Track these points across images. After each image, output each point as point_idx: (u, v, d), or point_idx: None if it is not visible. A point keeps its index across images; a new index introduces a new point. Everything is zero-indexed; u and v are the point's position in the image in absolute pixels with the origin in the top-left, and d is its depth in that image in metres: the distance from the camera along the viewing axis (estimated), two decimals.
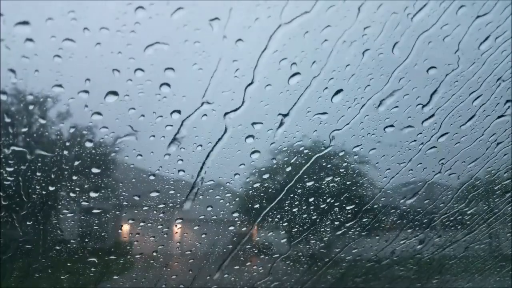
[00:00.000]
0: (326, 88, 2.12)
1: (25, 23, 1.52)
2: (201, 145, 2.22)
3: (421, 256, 3.59)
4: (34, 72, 1.67)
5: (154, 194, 2.41)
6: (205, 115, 2.05)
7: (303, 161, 2.57)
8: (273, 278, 3.05)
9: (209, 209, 2.61)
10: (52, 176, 2.15)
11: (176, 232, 2.68)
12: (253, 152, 2.34)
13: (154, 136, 2.10)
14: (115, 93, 1.85)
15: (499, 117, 2.49)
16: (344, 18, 1.84)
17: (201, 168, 2.32)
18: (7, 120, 1.87)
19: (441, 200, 3.13)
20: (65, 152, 2.10)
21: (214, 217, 2.71)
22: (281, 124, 2.22)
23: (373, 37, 1.95)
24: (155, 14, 1.62)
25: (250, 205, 2.79)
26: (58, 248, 2.44)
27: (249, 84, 1.98)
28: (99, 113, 1.91)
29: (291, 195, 2.73)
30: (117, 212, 2.54)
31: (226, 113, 2.09)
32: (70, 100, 1.84)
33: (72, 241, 2.47)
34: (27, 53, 1.60)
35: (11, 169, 2.04)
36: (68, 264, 2.49)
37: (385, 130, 2.44)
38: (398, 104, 2.31)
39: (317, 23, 1.82)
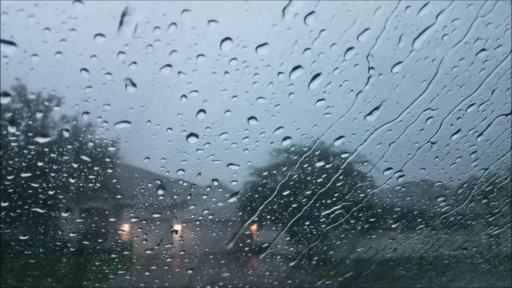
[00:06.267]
0: (326, 87, 2.13)
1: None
2: (201, 145, 2.22)
3: (421, 256, 3.59)
4: (34, 73, 1.67)
5: (154, 194, 2.41)
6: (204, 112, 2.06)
7: (303, 161, 2.57)
8: (272, 278, 3.05)
9: (209, 209, 2.61)
10: (53, 176, 2.15)
11: (176, 232, 2.68)
12: (252, 153, 2.34)
13: (155, 136, 2.11)
14: (116, 93, 1.85)
15: (498, 116, 2.49)
16: (345, 18, 1.84)
17: (201, 168, 2.32)
18: (7, 119, 1.87)
19: (441, 200, 3.13)
20: (65, 152, 2.10)
21: (214, 217, 2.71)
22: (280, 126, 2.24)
23: (373, 36, 1.95)
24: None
25: (250, 205, 2.79)
26: (58, 248, 2.44)
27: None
28: (100, 112, 1.91)
29: (291, 195, 2.73)
30: (117, 212, 2.54)
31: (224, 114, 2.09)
32: (71, 101, 1.85)
33: (72, 241, 2.47)
34: (27, 52, 1.60)
35: (11, 169, 2.04)
36: (68, 264, 2.49)
37: (385, 130, 2.44)
38: (398, 104, 2.31)
39: (318, 24, 1.82)
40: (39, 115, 1.92)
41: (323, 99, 2.17)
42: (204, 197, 2.51)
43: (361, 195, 3.02)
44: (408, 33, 1.97)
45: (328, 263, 3.23)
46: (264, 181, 2.67)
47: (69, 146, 2.10)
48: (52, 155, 2.08)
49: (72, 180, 2.21)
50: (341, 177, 2.83)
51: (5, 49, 1.56)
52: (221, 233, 2.78)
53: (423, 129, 2.50)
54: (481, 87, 2.29)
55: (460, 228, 3.49)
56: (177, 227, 2.66)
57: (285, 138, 2.34)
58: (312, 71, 2.03)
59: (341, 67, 2.04)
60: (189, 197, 2.49)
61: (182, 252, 2.75)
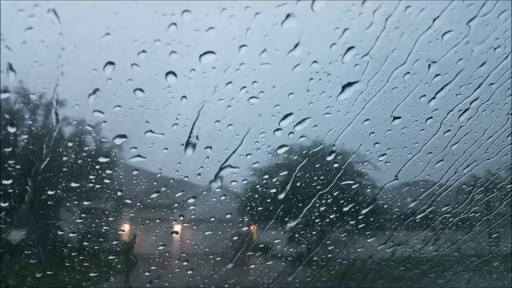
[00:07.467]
0: (325, 88, 2.13)
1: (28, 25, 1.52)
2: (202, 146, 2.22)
3: (421, 256, 3.59)
4: (34, 73, 1.67)
5: (155, 195, 2.41)
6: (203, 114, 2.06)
7: (303, 162, 2.57)
8: (273, 278, 3.05)
9: (209, 209, 2.61)
10: (53, 176, 2.15)
11: (176, 232, 2.68)
12: (251, 153, 2.34)
13: (154, 135, 2.11)
14: (116, 94, 1.85)
15: (498, 116, 2.49)
16: (345, 18, 1.84)
17: (201, 167, 2.33)
18: (7, 120, 1.87)
19: (441, 200, 3.13)
20: (66, 152, 2.10)
21: (214, 218, 2.70)
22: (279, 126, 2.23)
23: (373, 36, 1.95)
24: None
25: (250, 206, 2.79)
26: (58, 248, 2.44)
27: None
28: (100, 112, 1.91)
29: (291, 196, 2.73)
30: (118, 212, 2.54)
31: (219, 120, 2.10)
32: (71, 101, 1.85)
33: (72, 241, 2.47)
34: (27, 52, 1.60)
35: (11, 169, 2.04)
36: (68, 265, 2.49)
37: (385, 130, 2.44)
38: (398, 104, 2.31)
39: (318, 24, 1.82)
40: (39, 115, 1.92)
41: (323, 99, 2.17)
42: (204, 197, 2.51)
43: (361, 195, 3.02)
44: (408, 33, 1.97)
45: (328, 263, 3.22)
46: (264, 181, 2.67)
47: (69, 146, 2.10)
48: (52, 155, 2.08)
49: (72, 180, 2.21)
50: (341, 177, 2.83)
51: (5, 49, 1.57)
52: (221, 233, 2.78)
53: (423, 129, 2.50)
54: (481, 87, 2.29)
55: (460, 228, 3.49)
56: (177, 227, 2.66)
57: (284, 139, 2.34)
58: (312, 71, 2.03)
59: (341, 67, 2.04)
60: (189, 197, 2.49)
61: (182, 253, 2.75)
